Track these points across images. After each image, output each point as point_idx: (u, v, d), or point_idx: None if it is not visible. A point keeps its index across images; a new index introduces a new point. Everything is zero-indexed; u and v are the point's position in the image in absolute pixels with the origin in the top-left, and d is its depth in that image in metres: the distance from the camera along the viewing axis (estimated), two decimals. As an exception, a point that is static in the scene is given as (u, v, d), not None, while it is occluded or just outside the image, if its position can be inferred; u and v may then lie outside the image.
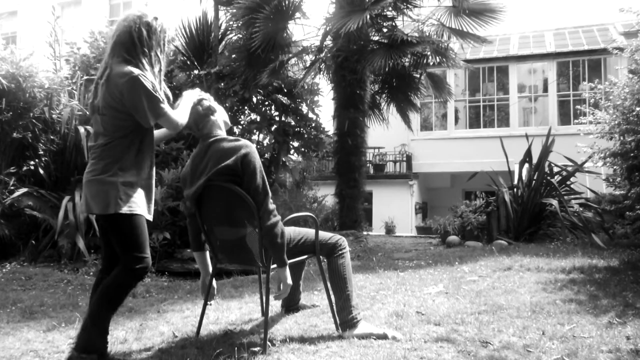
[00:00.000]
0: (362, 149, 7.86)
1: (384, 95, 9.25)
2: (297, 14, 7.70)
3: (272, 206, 2.50)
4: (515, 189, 7.00)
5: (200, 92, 2.72)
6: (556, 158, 7.07)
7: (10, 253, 5.55)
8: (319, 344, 2.53)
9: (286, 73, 8.26)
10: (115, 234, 2.33)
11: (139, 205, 2.34)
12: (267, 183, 2.54)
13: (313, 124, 8.67)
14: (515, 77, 14.11)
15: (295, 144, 8.73)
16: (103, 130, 2.35)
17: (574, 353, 2.30)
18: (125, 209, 2.27)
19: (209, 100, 2.71)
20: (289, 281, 2.54)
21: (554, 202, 6.31)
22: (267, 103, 8.53)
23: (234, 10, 7.70)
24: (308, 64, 8.34)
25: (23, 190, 5.63)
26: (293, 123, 8.44)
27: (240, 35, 8.07)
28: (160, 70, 2.45)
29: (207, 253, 2.83)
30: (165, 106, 2.34)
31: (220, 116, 2.73)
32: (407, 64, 8.35)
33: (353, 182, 7.68)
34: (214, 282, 2.86)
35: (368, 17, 6.93)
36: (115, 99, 2.28)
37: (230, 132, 2.66)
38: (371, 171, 15.08)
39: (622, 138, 5.20)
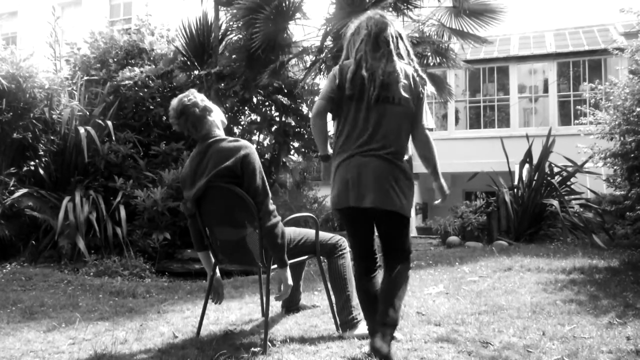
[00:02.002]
0: (363, 150, 7.84)
1: (384, 96, 9.24)
2: (298, 15, 7.69)
3: (272, 207, 2.50)
4: (515, 190, 6.99)
5: (194, 92, 2.70)
6: (556, 158, 7.06)
7: (10, 253, 5.56)
8: (319, 345, 2.53)
9: (286, 73, 8.25)
10: (403, 232, 2.41)
11: None
12: (267, 184, 2.54)
13: (313, 125, 8.65)
14: (516, 77, 14.10)
15: (296, 144, 8.73)
16: (395, 122, 2.35)
17: (574, 353, 2.29)
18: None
19: (204, 100, 2.70)
20: (290, 282, 2.54)
21: (555, 202, 6.31)
22: (267, 103, 8.53)
23: (234, 11, 7.69)
24: (308, 65, 8.33)
25: (23, 190, 5.64)
26: (293, 123, 8.44)
27: (241, 36, 8.06)
28: None
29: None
30: None
31: (217, 116, 2.73)
32: (407, 64, 8.35)
33: (353, 182, 7.67)
34: (222, 281, 2.87)
35: (368, 17, 6.92)
36: (413, 94, 2.37)
37: (230, 132, 2.67)
38: (371, 171, 15.03)
39: (622, 138, 5.20)
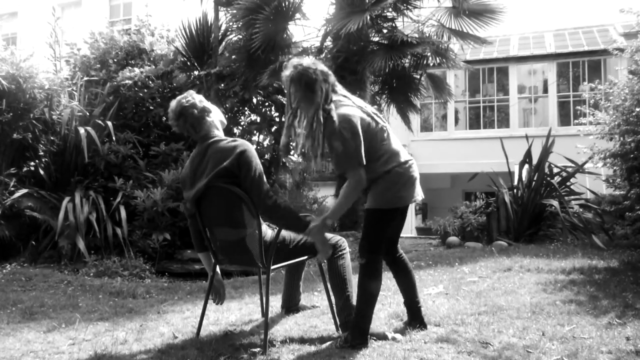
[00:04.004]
0: (363, 150, 7.83)
1: (384, 96, 9.23)
2: (297, 15, 7.70)
3: (266, 187, 2.55)
4: (515, 190, 6.99)
5: (192, 94, 2.73)
6: (556, 159, 7.06)
7: (10, 254, 5.55)
8: (319, 345, 2.53)
9: (286, 74, 8.25)
10: None
11: None
12: (263, 176, 2.58)
13: (313, 125, 8.66)
14: (515, 78, 14.10)
15: (296, 144, 8.72)
16: None
17: (574, 354, 2.30)
18: None
19: (203, 101, 2.72)
20: (323, 236, 2.58)
21: (555, 202, 6.30)
22: (267, 104, 8.53)
23: (234, 11, 7.69)
24: (308, 65, 8.33)
25: (23, 191, 5.63)
26: (293, 124, 8.43)
27: (241, 36, 8.06)
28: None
29: None
30: None
31: (216, 116, 2.75)
32: (407, 64, 8.34)
33: (353, 183, 7.66)
34: (223, 282, 2.88)
35: (368, 18, 6.93)
36: None
37: (230, 133, 2.69)
38: (371, 172, 14.99)
39: (622, 139, 5.19)
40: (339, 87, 2.58)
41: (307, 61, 2.50)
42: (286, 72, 2.50)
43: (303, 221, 2.58)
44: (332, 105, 2.44)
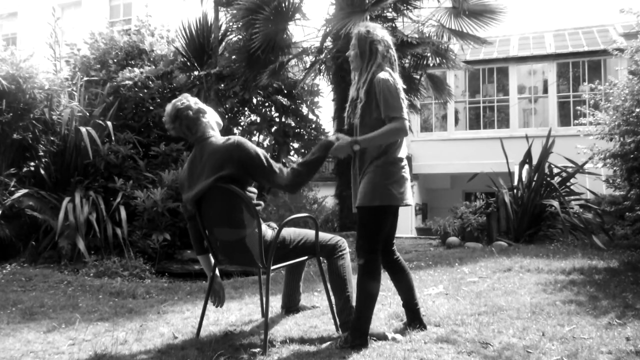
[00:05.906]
0: (363, 150, 7.84)
1: (384, 97, 9.24)
2: (297, 15, 7.70)
3: (278, 168, 2.58)
4: (515, 190, 6.99)
5: (187, 96, 2.75)
6: (556, 159, 7.06)
7: (10, 254, 5.55)
8: (319, 345, 2.53)
9: (286, 74, 8.26)
10: None
11: None
12: (268, 157, 2.60)
13: (313, 125, 8.68)
14: (515, 78, 14.10)
15: (296, 145, 8.74)
16: None
17: (574, 354, 2.30)
18: None
19: (198, 103, 2.73)
20: (343, 153, 2.59)
21: (555, 203, 6.30)
22: (267, 104, 8.54)
23: (234, 12, 7.70)
24: (308, 65, 8.35)
25: (23, 191, 5.64)
26: (293, 124, 8.45)
27: (240, 37, 8.07)
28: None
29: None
30: None
31: (212, 117, 2.76)
32: (407, 65, 8.35)
33: (353, 183, 7.67)
34: (222, 284, 2.88)
35: (368, 18, 6.93)
36: None
37: (230, 133, 2.70)
38: (371, 172, 14.98)
39: (622, 139, 5.20)
40: (396, 65, 2.72)
41: (379, 29, 2.69)
42: (355, 30, 2.71)
43: (324, 155, 2.62)
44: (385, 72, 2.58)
